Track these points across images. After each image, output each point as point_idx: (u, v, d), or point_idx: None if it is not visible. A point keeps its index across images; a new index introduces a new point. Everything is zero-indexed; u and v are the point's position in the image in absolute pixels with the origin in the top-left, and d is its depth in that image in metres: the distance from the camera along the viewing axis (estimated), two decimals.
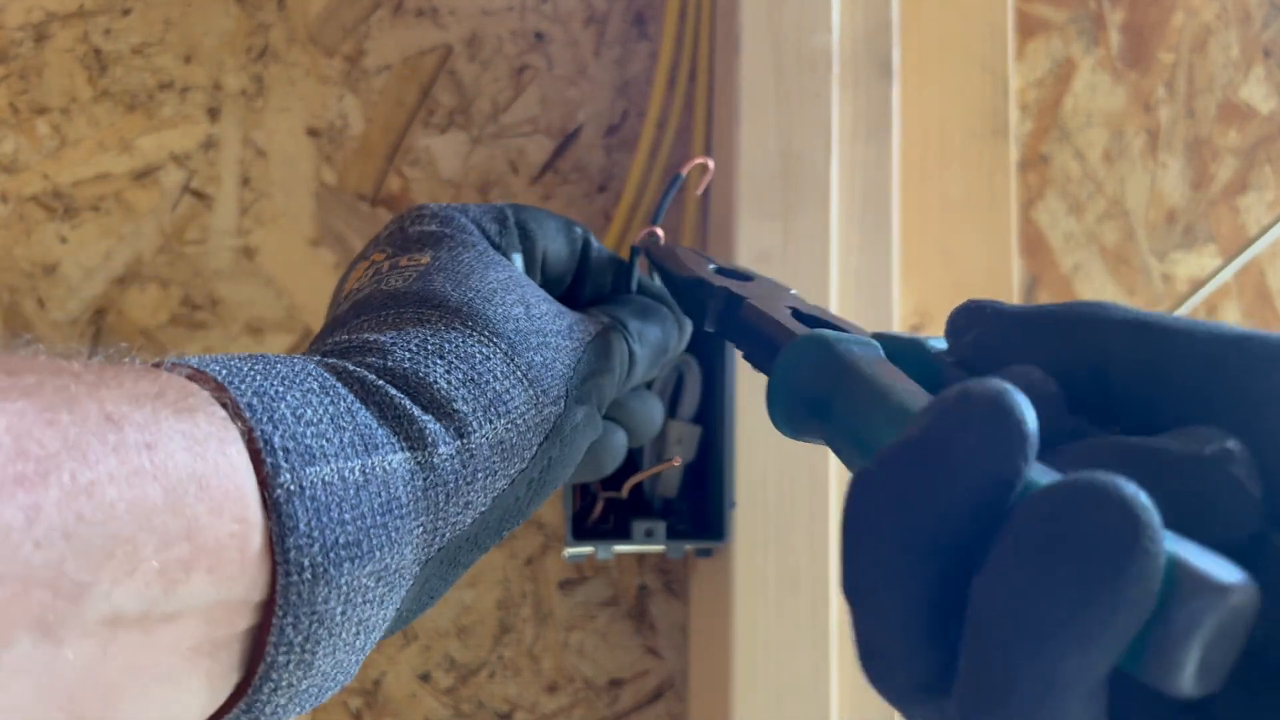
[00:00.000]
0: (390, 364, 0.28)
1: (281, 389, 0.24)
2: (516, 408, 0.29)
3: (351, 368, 0.27)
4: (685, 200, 0.53)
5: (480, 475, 0.28)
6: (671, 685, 0.55)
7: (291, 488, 0.23)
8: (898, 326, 0.52)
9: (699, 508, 0.50)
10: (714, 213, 0.53)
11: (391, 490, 0.25)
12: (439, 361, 0.28)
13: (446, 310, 0.30)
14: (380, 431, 0.26)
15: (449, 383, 0.28)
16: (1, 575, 0.17)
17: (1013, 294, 0.56)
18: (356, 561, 0.24)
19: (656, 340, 0.38)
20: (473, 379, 0.28)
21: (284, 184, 0.56)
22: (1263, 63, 0.62)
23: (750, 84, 0.49)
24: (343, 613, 0.24)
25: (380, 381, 0.27)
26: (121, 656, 0.20)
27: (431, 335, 0.29)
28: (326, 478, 0.24)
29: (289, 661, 0.23)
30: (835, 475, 0.48)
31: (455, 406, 0.28)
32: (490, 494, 0.28)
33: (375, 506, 0.25)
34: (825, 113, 0.49)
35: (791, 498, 0.47)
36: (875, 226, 0.52)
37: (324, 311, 0.55)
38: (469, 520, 0.28)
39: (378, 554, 0.24)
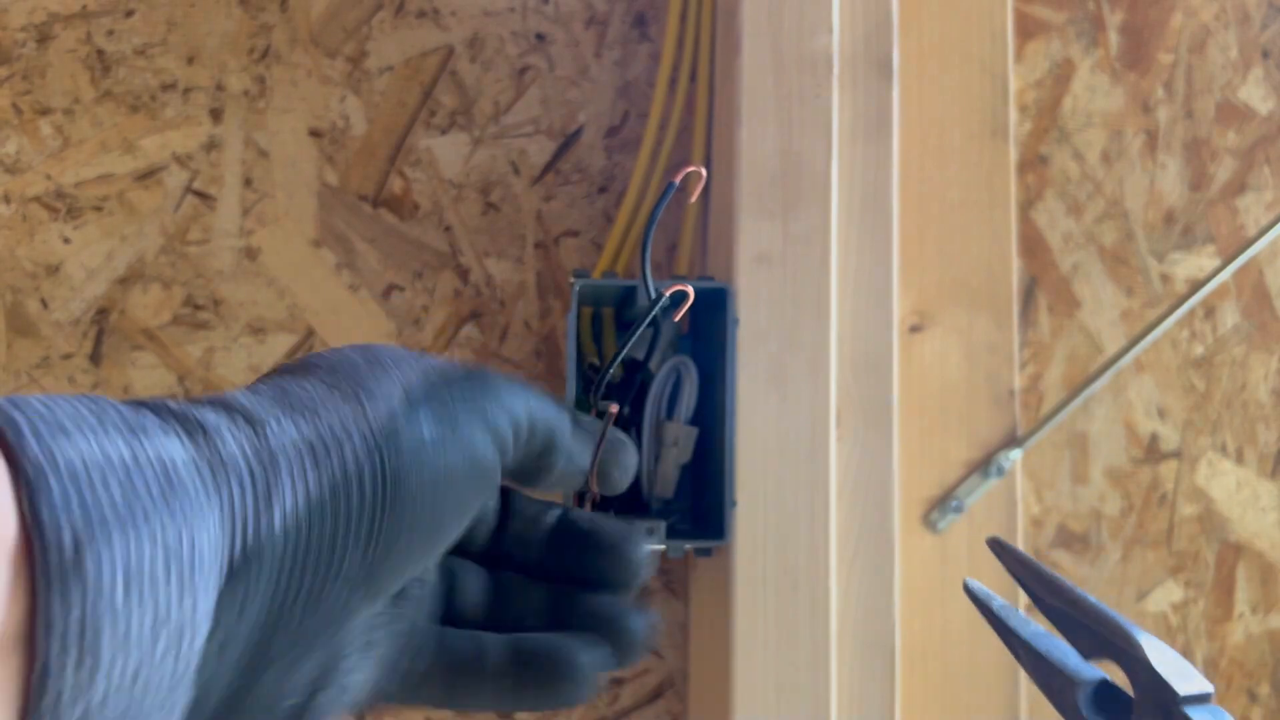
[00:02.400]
0: (182, 404, 0.25)
1: (36, 396, 0.22)
2: (329, 412, 0.26)
3: (142, 400, 0.25)
4: (685, 203, 0.53)
5: (283, 466, 0.25)
6: (671, 684, 0.55)
7: (42, 460, 0.20)
8: (896, 326, 0.52)
9: (699, 507, 0.50)
10: (714, 213, 0.53)
11: (170, 473, 0.22)
12: (243, 393, 0.26)
13: (296, 369, 0.28)
14: (152, 420, 0.23)
15: (249, 397, 0.26)
16: None
17: (1012, 294, 0.56)
18: (131, 531, 0.21)
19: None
20: (282, 390, 0.26)
21: (286, 184, 0.56)
22: (1261, 64, 0.62)
23: (751, 85, 0.49)
24: (125, 594, 0.21)
25: (162, 400, 0.25)
26: None
27: (258, 386, 0.27)
28: (86, 453, 0.21)
29: (66, 652, 0.20)
30: (835, 475, 0.48)
31: (254, 412, 0.25)
32: (304, 491, 0.25)
33: (150, 486, 0.22)
34: (825, 113, 0.49)
35: (792, 498, 0.47)
36: (875, 226, 0.52)
37: (326, 311, 0.56)
38: (278, 521, 0.24)
39: (159, 531, 0.21)
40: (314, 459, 0.25)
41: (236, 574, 0.24)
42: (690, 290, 0.40)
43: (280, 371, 0.28)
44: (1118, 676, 0.31)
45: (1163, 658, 0.30)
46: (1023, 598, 0.40)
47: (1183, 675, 0.29)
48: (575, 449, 0.32)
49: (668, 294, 0.40)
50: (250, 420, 0.25)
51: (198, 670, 0.23)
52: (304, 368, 0.28)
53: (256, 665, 0.25)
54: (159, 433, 0.23)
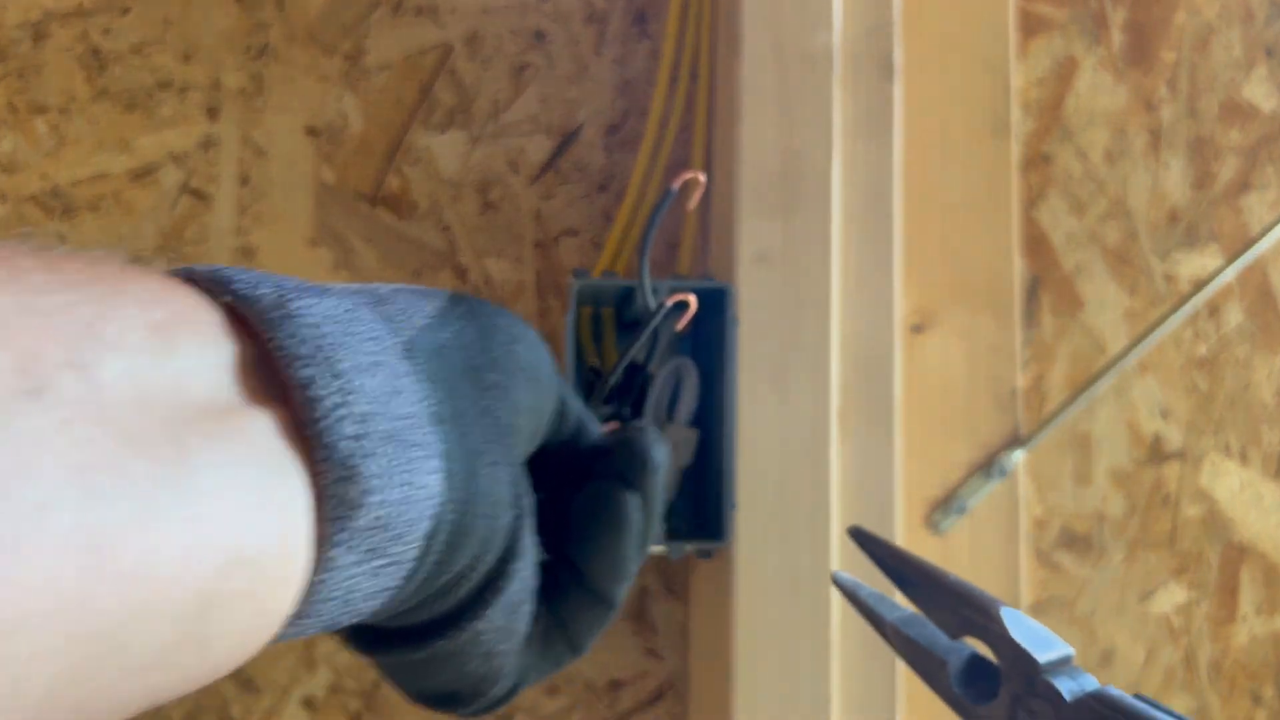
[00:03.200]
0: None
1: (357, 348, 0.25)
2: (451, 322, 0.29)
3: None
4: (683, 204, 0.53)
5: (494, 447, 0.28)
6: (672, 686, 0.55)
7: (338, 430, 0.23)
8: (898, 326, 0.51)
9: (699, 509, 0.49)
10: (715, 212, 0.53)
11: (420, 434, 0.25)
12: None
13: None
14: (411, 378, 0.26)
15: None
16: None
17: (1014, 293, 0.56)
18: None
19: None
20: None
21: (283, 183, 0.56)
22: (1265, 62, 0.62)
23: (751, 83, 0.49)
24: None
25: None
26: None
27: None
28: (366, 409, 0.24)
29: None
30: (835, 475, 0.48)
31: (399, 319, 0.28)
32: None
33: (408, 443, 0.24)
34: (826, 111, 0.49)
35: (792, 499, 0.47)
36: (876, 226, 0.51)
37: None
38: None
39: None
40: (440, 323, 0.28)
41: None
42: (693, 300, 0.40)
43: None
44: (987, 653, 0.32)
45: (1021, 628, 0.30)
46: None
47: (1042, 643, 0.30)
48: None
49: (669, 303, 0.40)
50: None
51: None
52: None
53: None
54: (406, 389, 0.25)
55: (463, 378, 0.27)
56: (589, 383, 0.48)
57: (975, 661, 0.33)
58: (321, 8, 0.57)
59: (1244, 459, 0.60)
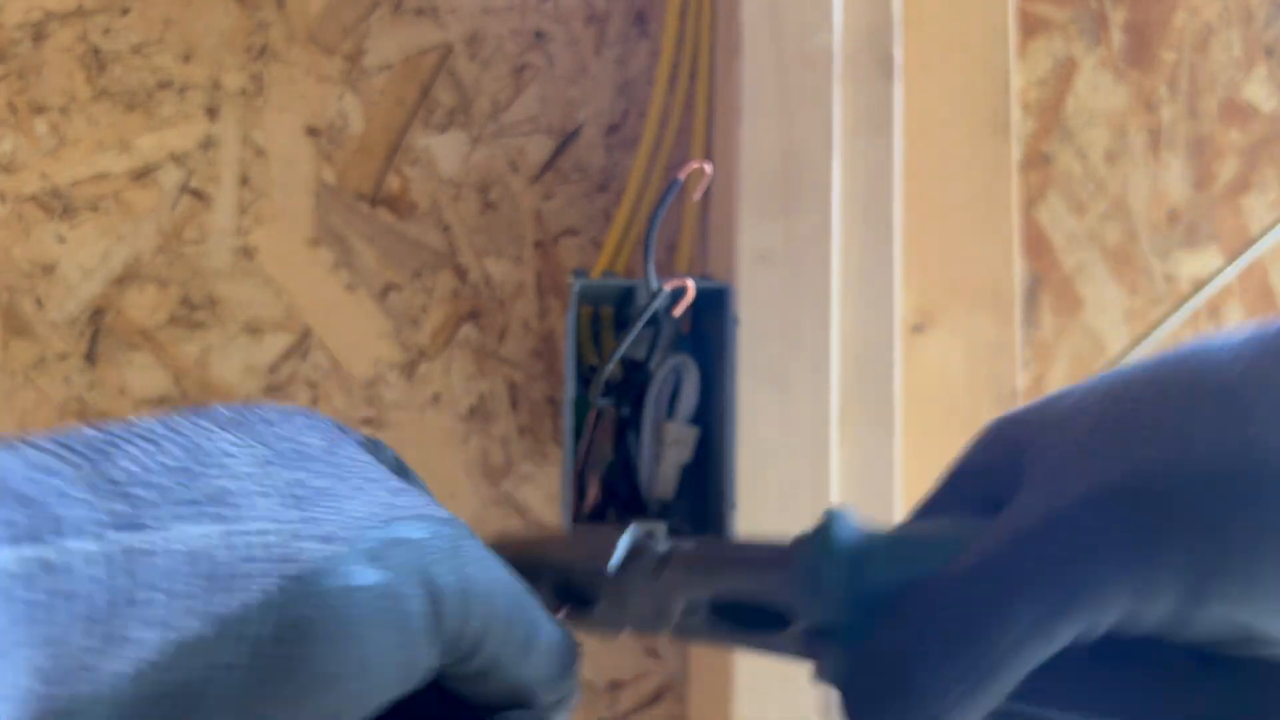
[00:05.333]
0: (78, 442, 0.20)
1: None
2: (251, 516, 0.20)
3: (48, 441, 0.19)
4: (686, 202, 0.53)
5: (154, 595, 0.18)
6: (671, 687, 0.54)
7: None
8: (899, 326, 0.51)
9: (698, 509, 0.49)
10: (714, 212, 0.53)
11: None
12: (143, 445, 0.20)
13: (219, 418, 0.22)
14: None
15: (142, 465, 0.20)
16: None
17: (1015, 293, 0.56)
18: None
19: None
20: (187, 470, 0.20)
21: (283, 183, 0.56)
22: (1265, 62, 0.62)
23: (751, 83, 0.49)
24: None
25: (63, 450, 0.19)
26: None
27: (169, 425, 0.21)
28: None
29: None
30: (835, 475, 0.48)
31: (133, 490, 0.19)
32: (169, 633, 0.19)
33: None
34: (826, 112, 0.49)
35: (793, 498, 0.47)
36: (876, 226, 0.51)
37: (323, 311, 0.55)
38: (119, 669, 0.18)
39: None
40: (205, 585, 0.19)
41: None
42: (690, 285, 0.40)
43: (228, 419, 0.22)
44: None
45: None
46: None
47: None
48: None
49: (667, 288, 0.40)
50: (129, 503, 0.19)
51: None
52: (245, 426, 0.22)
53: None
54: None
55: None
56: (588, 381, 0.48)
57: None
58: (322, 8, 0.57)
59: None
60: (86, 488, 0.19)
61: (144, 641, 0.18)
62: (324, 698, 0.21)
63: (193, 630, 0.19)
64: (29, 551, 0.17)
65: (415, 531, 0.22)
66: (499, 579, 0.24)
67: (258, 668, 0.19)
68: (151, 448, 0.20)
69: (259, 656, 0.19)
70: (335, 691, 0.21)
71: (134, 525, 0.19)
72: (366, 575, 0.21)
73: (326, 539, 0.21)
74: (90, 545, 0.18)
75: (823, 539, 0.24)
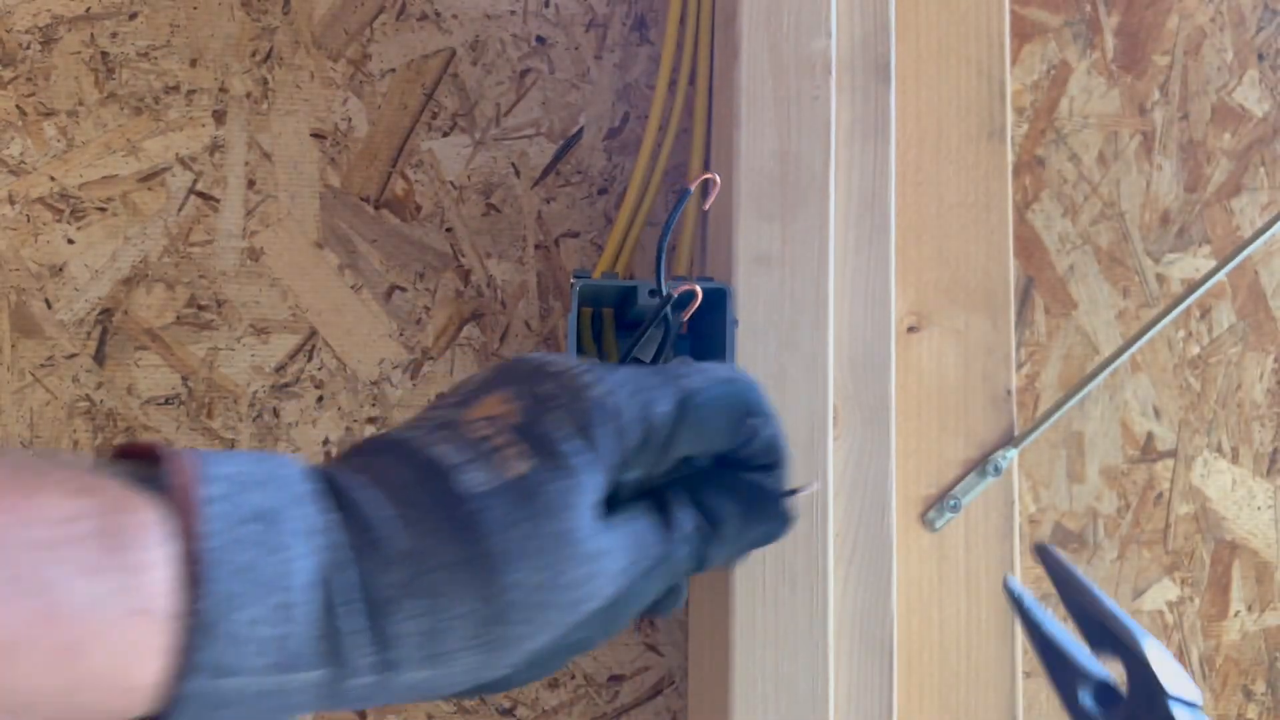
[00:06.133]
0: (383, 576, 0.28)
1: (250, 595, 0.26)
2: (456, 665, 0.30)
3: (353, 559, 0.28)
4: (687, 207, 0.54)
5: (383, 700, 0.29)
6: (671, 681, 0.55)
7: (193, 692, 0.25)
8: (895, 327, 0.52)
9: None
10: (713, 214, 0.53)
11: (288, 699, 0.27)
12: (420, 601, 0.29)
13: (477, 549, 0.30)
14: (308, 655, 0.27)
15: (411, 628, 0.29)
16: None
17: (1009, 295, 0.57)
18: None
19: (749, 542, 0.37)
20: (432, 632, 0.29)
21: (289, 186, 0.57)
22: (1256, 66, 0.62)
23: (749, 87, 0.49)
24: None
25: (353, 597, 0.28)
26: None
27: (440, 568, 0.29)
28: (232, 688, 0.26)
29: None
30: (833, 475, 0.48)
31: (397, 653, 0.28)
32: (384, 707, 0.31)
33: (265, 707, 0.27)
34: (823, 115, 0.50)
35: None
36: (873, 228, 0.52)
37: (327, 311, 0.56)
38: None
39: None
40: (418, 696, 0.29)
41: None
42: (698, 290, 0.40)
43: (478, 556, 0.30)
44: (1121, 675, 0.34)
45: (1161, 660, 0.33)
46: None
47: (1176, 679, 0.33)
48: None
49: (676, 293, 0.40)
50: (390, 666, 0.28)
51: None
52: (488, 572, 0.30)
53: None
54: (305, 667, 0.27)
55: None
56: None
57: (1106, 685, 0.36)
58: (326, 13, 0.57)
59: (1235, 458, 0.60)
60: (375, 640, 0.29)
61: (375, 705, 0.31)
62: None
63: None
64: (330, 672, 0.28)
65: (592, 605, 0.32)
66: (655, 590, 0.35)
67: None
68: (422, 604, 0.29)
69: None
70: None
71: (389, 667, 0.29)
72: (530, 673, 0.33)
73: (507, 668, 0.31)
74: (360, 681, 0.29)
75: None
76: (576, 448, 0.31)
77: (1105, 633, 0.35)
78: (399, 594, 0.28)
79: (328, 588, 0.27)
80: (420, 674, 0.29)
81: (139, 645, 0.24)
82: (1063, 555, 0.38)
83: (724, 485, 0.36)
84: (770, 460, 0.37)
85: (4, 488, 0.23)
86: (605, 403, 0.32)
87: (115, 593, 0.24)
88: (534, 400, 0.32)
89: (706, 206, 0.50)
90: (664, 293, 0.41)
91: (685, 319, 0.42)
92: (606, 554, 0.31)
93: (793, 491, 0.38)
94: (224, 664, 0.25)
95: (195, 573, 0.25)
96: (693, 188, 0.43)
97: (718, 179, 0.44)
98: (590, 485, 0.31)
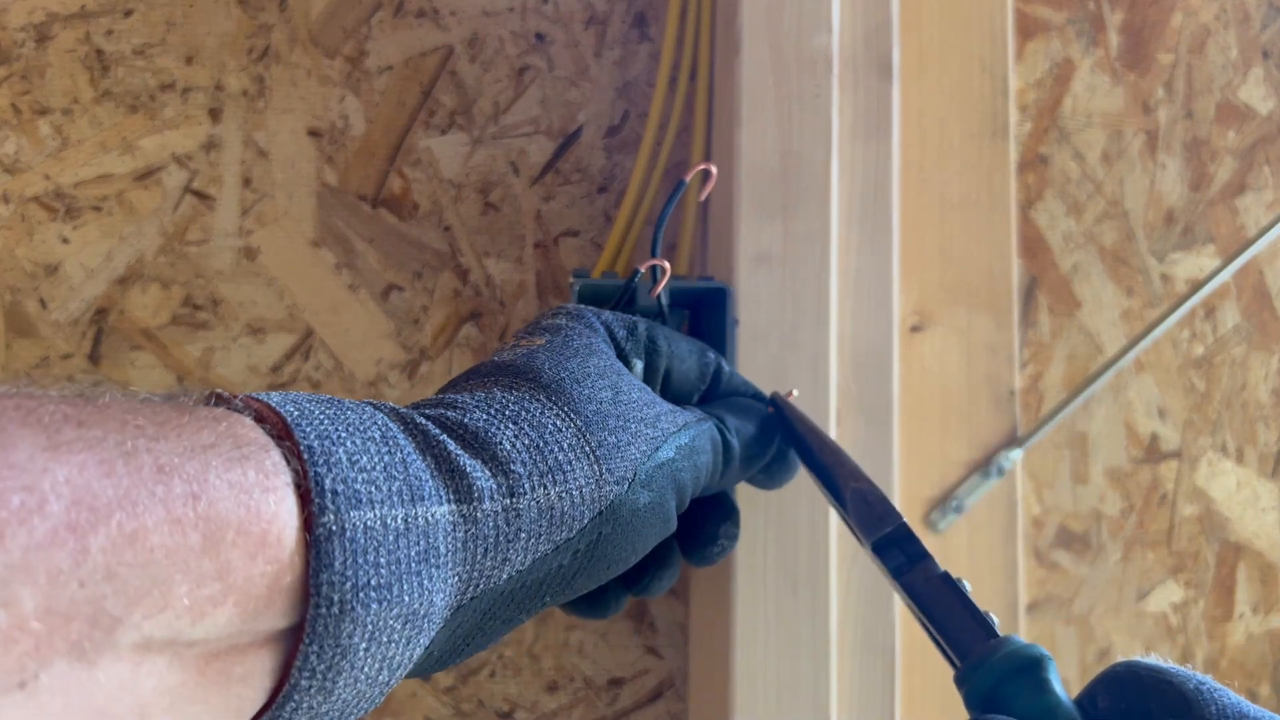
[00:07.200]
0: (464, 420, 0.30)
1: (344, 434, 0.27)
2: (575, 479, 0.31)
3: (419, 419, 0.30)
4: (686, 203, 0.53)
5: (523, 535, 0.30)
6: (671, 684, 0.55)
7: (333, 528, 0.25)
8: (897, 326, 0.52)
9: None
10: (714, 213, 0.53)
11: (430, 539, 0.27)
12: (510, 426, 0.31)
13: (537, 384, 0.33)
14: (430, 483, 0.28)
15: (513, 445, 0.30)
16: (46, 609, 0.20)
17: (1012, 294, 0.56)
18: (385, 604, 0.26)
19: (752, 437, 0.40)
20: (538, 446, 0.31)
21: (285, 184, 0.56)
22: (1261, 64, 0.62)
23: (750, 85, 0.49)
24: (366, 649, 0.26)
25: (442, 435, 0.29)
26: (151, 678, 0.22)
27: (513, 401, 0.32)
28: (369, 522, 0.26)
29: (310, 686, 0.25)
30: None
31: (512, 467, 0.30)
32: (531, 555, 0.30)
33: (412, 554, 0.27)
34: (825, 113, 0.49)
35: (791, 497, 0.47)
36: (875, 227, 0.52)
37: (324, 311, 0.56)
38: (505, 576, 0.30)
39: (407, 599, 0.26)
40: (550, 527, 0.30)
41: (458, 611, 0.29)
42: (666, 264, 0.42)
43: (543, 385, 0.33)
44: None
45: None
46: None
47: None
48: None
49: (643, 268, 0.41)
50: (509, 478, 0.30)
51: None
52: (560, 392, 0.33)
53: (455, 652, 0.31)
54: (431, 499, 0.28)
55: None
56: None
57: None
58: (323, 10, 0.57)
59: (1240, 458, 0.60)
60: (487, 465, 0.30)
61: (515, 560, 0.30)
62: (614, 568, 0.34)
63: (542, 551, 0.31)
64: (458, 509, 0.28)
65: (668, 453, 0.35)
66: (710, 461, 0.37)
67: (576, 564, 0.32)
68: (514, 429, 0.31)
69: (576, 557, 0.32)
70: (621, 563, 0.34)
71: (513, 493, 0.30)
72: (642, 497, 0.33)
73: (618, 481, 0.32)
74: (492, 506, 0.29)
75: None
76: (586, 317, 0.38)
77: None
78: (489, 423, 0.30)
79: (413, 423, 0.29)
80: (542, 493, 0.30)
81: (266, 486, 0.25)
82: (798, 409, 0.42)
83: (718, 403, 0.41)
84: (747, 391, 0.43)
85: (167, 416, 0.25)
86: (597, 315, 0.39)
87: (248, 469, 0.25)
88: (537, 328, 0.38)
89: (703, 198, 0.50)
90: (646, 278, 0.42)
91: (654, 292, 0.43)
92: (642, 387, 0.36)
93: (774, 400, 0.42)
94: (351, 491, 0.26)
95: (287, 431, 0.26)
96: (688, 179, 0.42)
97: (714, 170, 0.44)
98: (608, 344, 0.37)
